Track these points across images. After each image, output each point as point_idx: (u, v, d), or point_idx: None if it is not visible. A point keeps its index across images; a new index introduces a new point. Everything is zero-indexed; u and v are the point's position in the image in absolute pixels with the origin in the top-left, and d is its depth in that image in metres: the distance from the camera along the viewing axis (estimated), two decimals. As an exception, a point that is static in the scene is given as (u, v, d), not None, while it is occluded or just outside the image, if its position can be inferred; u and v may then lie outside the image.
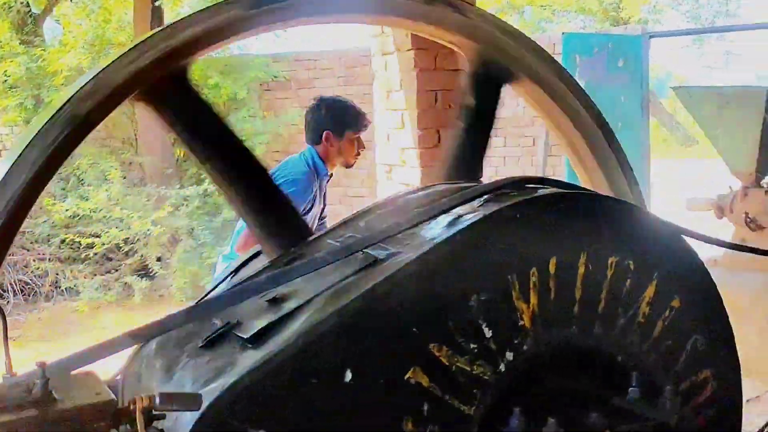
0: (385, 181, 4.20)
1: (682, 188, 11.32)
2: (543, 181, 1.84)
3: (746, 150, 5.16)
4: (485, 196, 1.68)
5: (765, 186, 5.29)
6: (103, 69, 1.64)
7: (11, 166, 1.54)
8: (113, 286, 8.61)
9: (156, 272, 8.58)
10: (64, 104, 1.59)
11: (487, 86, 2.17)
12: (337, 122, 3.70)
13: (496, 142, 8.58)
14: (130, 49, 1.67)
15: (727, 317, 1.92)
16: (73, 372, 1.36)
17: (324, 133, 3.70)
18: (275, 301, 1.51)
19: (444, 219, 1.61)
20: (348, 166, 3.87)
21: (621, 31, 9.86)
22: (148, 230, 8.39)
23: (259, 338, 1.42)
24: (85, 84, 1.62)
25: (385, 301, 1.39)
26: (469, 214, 1.60)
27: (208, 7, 1.75)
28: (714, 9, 18.91)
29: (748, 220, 5.25)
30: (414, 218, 1.60)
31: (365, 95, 5.33)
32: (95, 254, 8.62)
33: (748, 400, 4.52)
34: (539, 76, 2.19)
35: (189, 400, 1.24)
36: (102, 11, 9.83)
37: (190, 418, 1.28)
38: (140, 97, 1.72)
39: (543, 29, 13.98)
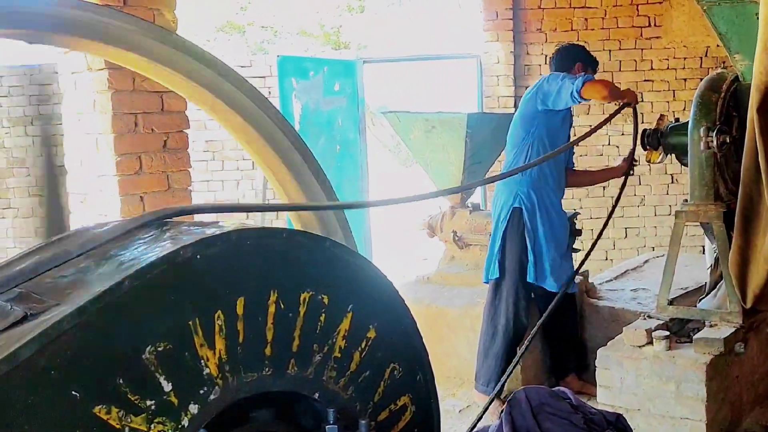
0: (80, 212, 3.87)
1: (402, 208, 11.86)
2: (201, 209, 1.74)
3: (451, 172, 5.48)
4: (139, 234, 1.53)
5: (470, 206, 5.66)
6: None
7: None
8: None
9: None
10: None
11: None
12: (586, 59, 4.58)
13: (213, 165, 8.34)
14: None
15: (422, 340, 1.94)
16: None
17: (576, 64, 4.52)
18: None
19: (108, 261, 1.44)
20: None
21: (339, 56, 10.12)
22: None
23: None
24: None
25: (33, 365, 1.19)
26: (136, 255, 1.44)
27: None
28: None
29: (456, 238, 5.58)
30: (77, 261, 1.41)
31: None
32: None
33: (460, 411, 4.75)
34: (222, 92, 2.09)
35: None
36: None
37: None
38: None
39: (265, 51, 14.02)
